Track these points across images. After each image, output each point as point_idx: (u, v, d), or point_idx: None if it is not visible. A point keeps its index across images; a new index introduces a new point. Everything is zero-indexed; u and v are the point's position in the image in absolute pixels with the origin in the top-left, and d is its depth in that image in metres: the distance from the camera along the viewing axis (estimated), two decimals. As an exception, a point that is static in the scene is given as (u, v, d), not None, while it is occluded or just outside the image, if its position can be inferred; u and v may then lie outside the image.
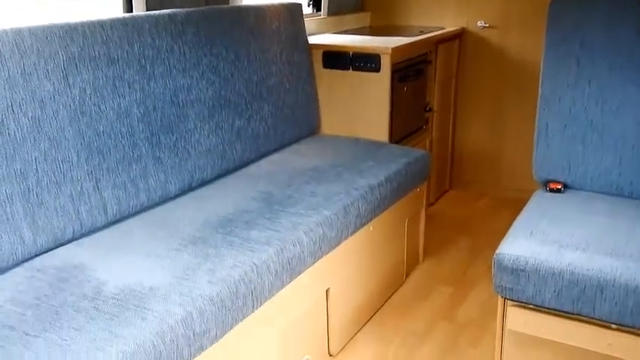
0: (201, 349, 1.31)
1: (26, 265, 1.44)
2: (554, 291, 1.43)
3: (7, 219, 1.41)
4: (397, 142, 2.54)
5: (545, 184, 1.90)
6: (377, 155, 2.22)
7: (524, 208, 1.75)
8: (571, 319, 1.46)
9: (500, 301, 1.56)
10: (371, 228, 1.99)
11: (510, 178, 3.10)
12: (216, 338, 1.35)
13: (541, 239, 1.53)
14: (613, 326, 1.41)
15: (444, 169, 3.18)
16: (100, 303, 1.27)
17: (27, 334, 1.17)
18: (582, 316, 1.44)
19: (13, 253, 1.42)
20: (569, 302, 1.43)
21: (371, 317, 2.11)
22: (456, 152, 3.25)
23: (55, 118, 1.53)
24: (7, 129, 1.42)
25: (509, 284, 1.48)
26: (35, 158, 1.47)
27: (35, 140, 1.48)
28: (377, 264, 2.09)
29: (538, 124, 1.90)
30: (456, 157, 3.26)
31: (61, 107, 1.54)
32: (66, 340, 1.15)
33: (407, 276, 2.37)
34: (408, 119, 2.66)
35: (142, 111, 1.75)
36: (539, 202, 1.79)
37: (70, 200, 1.54)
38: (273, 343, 1.58)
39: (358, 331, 2.03)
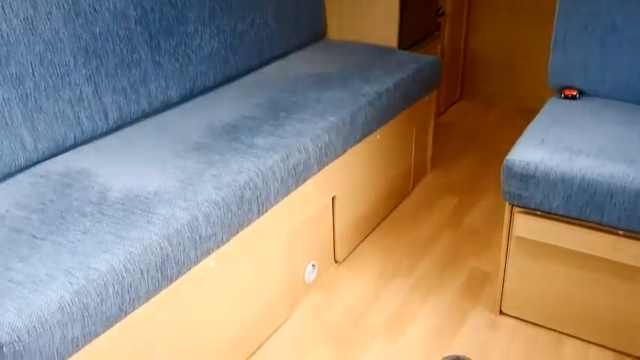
0: (208, 252, 1.34)
1: (29, 171, 1.45)
2: (563, 197, 1.44)
3: (7, 124, 1.41)
4: (406, 49, 2.48)
5: (560, 90, 1.86)
6: (385, 61, 2.17)
7: (537, 116, 1.73)
8: (578, 225, 1.48)
9: (507, 208, 1.58)
10: (378, 136, 1.98)
11: (524, 87, 3.04)
12: (223, 242, 1.38)
13: (552, 146, 1.53)
14: (620, 232, 1.43)
15: (454, 79, 3.13)
16: (105, 207, 1.29)
17: (34, 237, 1.20)
18: (590, 222, 1.46)
19: (14, 159, 1.42)
20: (577, 208, 1.44)
21: (377, 226, 2.15)
22: (467, 60, 3.18)
23: (49, 19, 1.48)
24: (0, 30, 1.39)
25: (518, 190, 1.49)
26: (31, 62, 1.45)
27: (29, 42, 1.44)
28: (383, 173, 2.10)
29: (556, 26, 1.84)
30: (467, 65, 3.19)
31: (54, 8, 1.49)
32: (73, 243, 1.18)
33: (414, 186, 2.39)
34: (418, 24, 2.58)
35: (139, 13, 1.70)
36: (552, 109, 1.76)
37: (70, 105, 1.53)
38: (280, 249, 1.61)
39: (364, 239, 2.08)
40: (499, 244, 1.77)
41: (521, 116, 2.47)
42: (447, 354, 1.58)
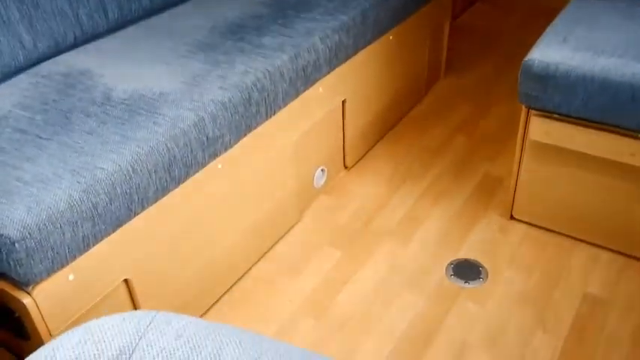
0: (216, 154, 1.34)
1: (30, 71, 1.44)
2: (583, 99, 1.41)
3: (3, 22, 1.37)
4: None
5: (586, -13, 1.78)
6: (400, -44, 2.07)
7: (560, 15, 1.66)
8: (596, 128, 1.45)
9: (524, 111, 1.55)
10: (390, 37, 1.92)
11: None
12: (230, 144, 1.37)
13: (574, 45, 1.47)
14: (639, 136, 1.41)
15: (473, -23, 2.99)
16: (109, 108, 1.28)
17: (40, 137, 1.20)
18: (608, 125, 1.43)
19: (14, 58, 1.40)
20: (597, 111, 1.41)
21: (388, 131, 2.14)
22: (487, -42, 3.03)
23: None
24: None
25: (536, 92, 1.46)
26: (24, -46, 1.39)
27: None
28: (395, 77, 2.05)
29: None
30: (487, -37, 3.04)
31: None
32: (79, 143, 1.18)
33: (427, 91, 2.35)
34: None
35: None
36: (576, 8, 1.69)
37: (68, 3, 1.49)
38: (288, 153, 1.61)
39: (375, 145, 2.07)
40: (513, 150, 1.76)
41: (545, 18, 2.38)
42: (455, 258, 1.62)
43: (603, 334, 1.40)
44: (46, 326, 1.08)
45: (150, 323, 0.77)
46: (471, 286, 1.54)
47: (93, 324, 0.77)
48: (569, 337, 1.40)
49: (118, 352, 0.73)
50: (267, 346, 0.76)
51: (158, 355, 0.73)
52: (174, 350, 0.74)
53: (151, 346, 0.74)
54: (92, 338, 0.75)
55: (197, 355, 0.73)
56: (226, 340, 0.75)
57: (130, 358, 0.73)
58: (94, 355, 0.73)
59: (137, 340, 0.74)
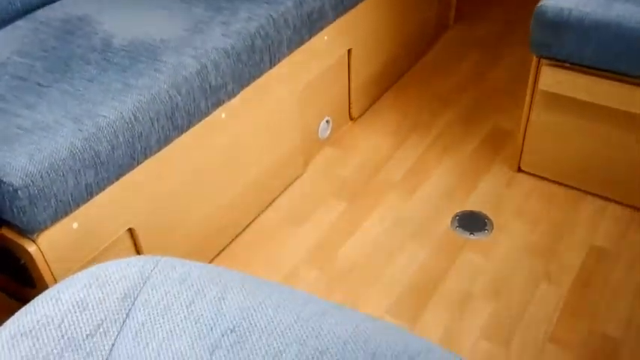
0: (219, 103, 1.33)
1: (28, 17, 1.42)
2: (596, 47, 1.39)
3: (-1, -35, 1.35)
4: None
5: None
6: None
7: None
8: (608, 78, 1.43)
9: (534, 61, 1.53)
10: (399, -16, 1.88)
11: None
12: (233, 93, 1.36)
13: (589, -9, 1.44)
14: (653, 85, 1.39)
15: None
16: (110, 55, 1.27)
17: (39, 85, 1.19)
18: (621, 74, 1.41)
19: (11, 1, 1.38)
20: (610, 59, 1.39)
21: (395, 82, 2.11)
22: None
23: None
24: None
25: (548, 39, 1.43)
26: None
27: None
28: (403, 25, 2.02)
29: None
30: None
31: None
32: (80, 91, 1.17)
33: (435, 40, 2.31)
34: None
35: None
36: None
37: (64, -55, 1.46)
38: (293, 103, 1.60)
39: (381, 96, 2.05)
40: (522, 101, 1.74)
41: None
42: (461, 209, 1.62)
43: (608, 286, 1.42)
44: (52, 274, 1.10)
45: (154, 268, 0.78)
46: (476, 237, 1.55)
47: (98, 268, 0.79)
48: (573, 288, 1.42)
49: (123, 295, 0.75)
50: (272, 290, 0.77)
51: (162, 298, 0.75)
52: (178, 294, 0.75)
53: (156, 289, 0.75)
54: (97, 282, 0.76)
55: (201, 299, 0.75)
56: (231, 284, 0.76)
57: (134, 301, 0.74)
58: (99, 298, 0.74)
59: (142, 284, 0.75)
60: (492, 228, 1.57)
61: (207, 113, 1.32)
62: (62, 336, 0.71)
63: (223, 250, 1.55)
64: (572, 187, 1.67)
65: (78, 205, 1.11)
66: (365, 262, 1.51)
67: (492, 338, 1.33)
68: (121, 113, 1.13)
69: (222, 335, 0.72)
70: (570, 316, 1.36)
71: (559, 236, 1.54)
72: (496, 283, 1.44)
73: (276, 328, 0.73)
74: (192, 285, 0.76)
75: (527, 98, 1.60)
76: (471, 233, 1.56)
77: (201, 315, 0.73)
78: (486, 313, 1.37)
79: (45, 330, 0.71)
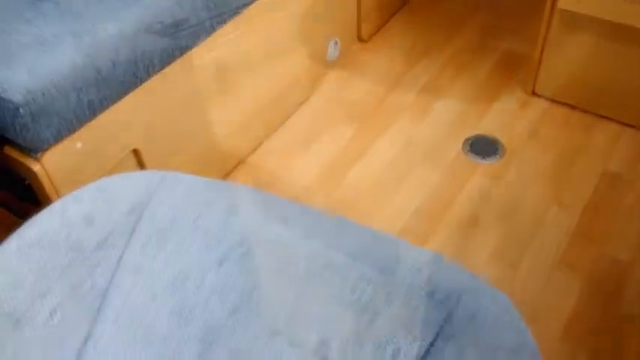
0: (223, 20, 1.30)
1: None
2: (621, -40, 1.33)
3: None
4: None
5: None
6: None
7: None
8: (632, -6, 1.38)
9: (554, -23, 1.47)
10: None
11: None
12: (238, 10, 1.33)
13: None
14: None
15: None
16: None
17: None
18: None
19: None
20: (634, -27, 1.33)
21: (406, 3, 2.05)
22: None
23: None
24: None
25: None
26: None
27: None
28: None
29: None
30: None
31: None
32: (79, 6, 1.14)
33: (449, -41, 2.23)
34: None
35: None
36: None
37: None
38: (298, 22, 1.56)
39: (392, 17, 2.00)
40: (538, 24, 1.68)
41: None
42: (473, 133, 1.60)
43: (620, 210, 1.42)
44: (57, 193, 1.11)
45: (161, 182, 0.77)
46: (488, 162, 1.54)
47: (104, 182, 0.78)
48: (584, 213, 1.42)
49: (130, 208, 0.75)
50: (280, 205, 0.77)
51: (169, 212, 0.75)
52: (185, 208, 0.75)
53: (163, 203, 0.75)
54: (103, 195, 0.76)
55: (209, 213, 0.75)
56: (239, 199, 0.76)
57: (141, 215, 0.74)
58: (105, 211, 0.75)
59: (148, 198, 0.75)
60: (504, 153, 1.56)
61: (211, 31, 1.28)
62: (70, 248, 0.72)
63: (229, 174, 1.55)
64: (587, 112, 1.64)
65: (81, 124, 1.10)
66: (375, 185, 1.50)
67: (501, 261, 1.34)
68: (122, 30, 1.10)
69: (230, 248, 0.72)
70: (580, 241, 1.36)
71: (572, 161, 1.53)
72: (506, 208, 1.44)
73: (284, 243, 0.73)
74: (200, 199, 0.76)
75: (545, 18, 1.55)
76: (482, 157, 1.54)
77: (209, 229, 0.74)
78: (496, 237, 1.38)
79: (52, 242, 0.72)
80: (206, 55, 1.30)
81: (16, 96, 0.99)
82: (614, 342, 1.20)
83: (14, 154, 1.09)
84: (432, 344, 0.63)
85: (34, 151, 1.06)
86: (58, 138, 1.07)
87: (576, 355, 1.18)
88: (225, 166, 1.53)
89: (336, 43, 1.77)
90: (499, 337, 0.63)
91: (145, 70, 1.16)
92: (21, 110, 0.99)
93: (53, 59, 1.03)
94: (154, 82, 1.20)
